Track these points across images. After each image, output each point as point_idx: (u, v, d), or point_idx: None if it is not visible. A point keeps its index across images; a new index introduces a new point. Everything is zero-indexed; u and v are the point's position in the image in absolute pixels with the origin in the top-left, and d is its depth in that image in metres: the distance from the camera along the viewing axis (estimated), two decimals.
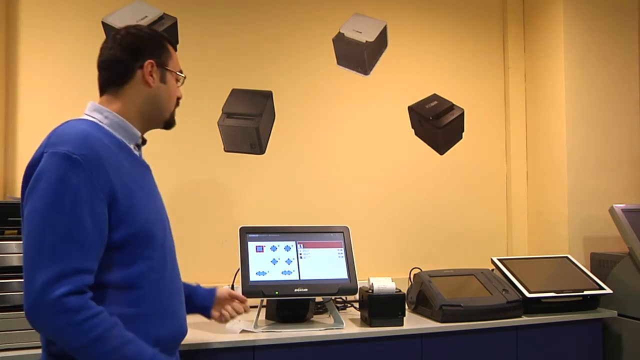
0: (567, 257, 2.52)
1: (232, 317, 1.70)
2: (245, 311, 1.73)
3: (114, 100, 1.35)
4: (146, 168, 1.41)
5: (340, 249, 2.14)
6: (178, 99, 1.45)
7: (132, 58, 1.35)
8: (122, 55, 1.35)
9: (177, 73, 1.43)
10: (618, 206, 2.43)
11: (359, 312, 2.17)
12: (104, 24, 2.33)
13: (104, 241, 1.19)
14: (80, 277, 1.13)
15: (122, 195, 1.22)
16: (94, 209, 1.16)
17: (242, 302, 1.71)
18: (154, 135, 1.48)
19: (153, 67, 1.36)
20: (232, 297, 1.71)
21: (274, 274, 2.02)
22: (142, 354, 1.20)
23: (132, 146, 1.36)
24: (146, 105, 1.37)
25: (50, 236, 1.13)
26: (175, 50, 1.46)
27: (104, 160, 1.20)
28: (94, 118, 1.31)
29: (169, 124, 1.45)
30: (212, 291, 1.69)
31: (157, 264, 1.28)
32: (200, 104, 2.46)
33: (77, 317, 1.11)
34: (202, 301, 1.66)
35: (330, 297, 2.08)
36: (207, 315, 1.68)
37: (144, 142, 1.44)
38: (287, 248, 2.09)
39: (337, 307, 2.21)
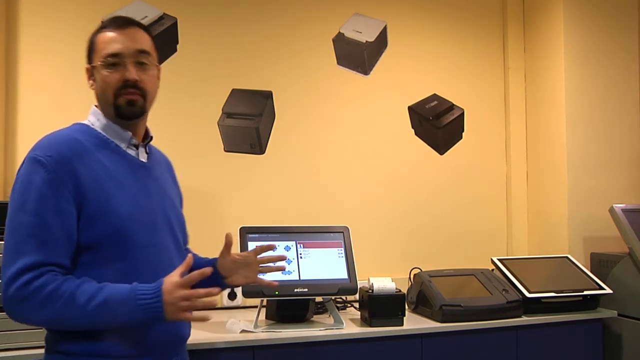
0: (567, 257, 2.52)
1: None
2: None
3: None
4: (142, 167, 1.39)
5: (340, 249, 2.13)
6: (125, 82, 1.31)
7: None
8: None
9: (99, 63, 1.32)
10: (618, 206, 2.43)
11: (359, 312, 2.17)
12: None
13: (71, 236, 1.21)
14: (42, 269, 1.16)
15: (94, 194, 1.24)
16: (59, 207, 1.19)
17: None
18: (154, 135, 1.48)
19: (88, 72, 1.39)
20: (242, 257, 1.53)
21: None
22: (118, 291, 1.18)
23: (123, 146, 1.36)
24: (100, 107, 1.37)
25: (17, 237, 1.18)
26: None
27: (74, 160, 1.23)
28: (88, 121, 1.38)
29: (119, 115, 1.33)
30: (213, 261, 1.51)
31: (139, 265, 1.26)
32: (200, 104, 2.46)
33: (42, 294, 1.14)
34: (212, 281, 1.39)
35: (330, 297, 2.08)
36: (225, 286, 1.51)
37: (146, 141, 1.43)
38: (287, 248, 2.09)
39: (337, 307, 2.21)
